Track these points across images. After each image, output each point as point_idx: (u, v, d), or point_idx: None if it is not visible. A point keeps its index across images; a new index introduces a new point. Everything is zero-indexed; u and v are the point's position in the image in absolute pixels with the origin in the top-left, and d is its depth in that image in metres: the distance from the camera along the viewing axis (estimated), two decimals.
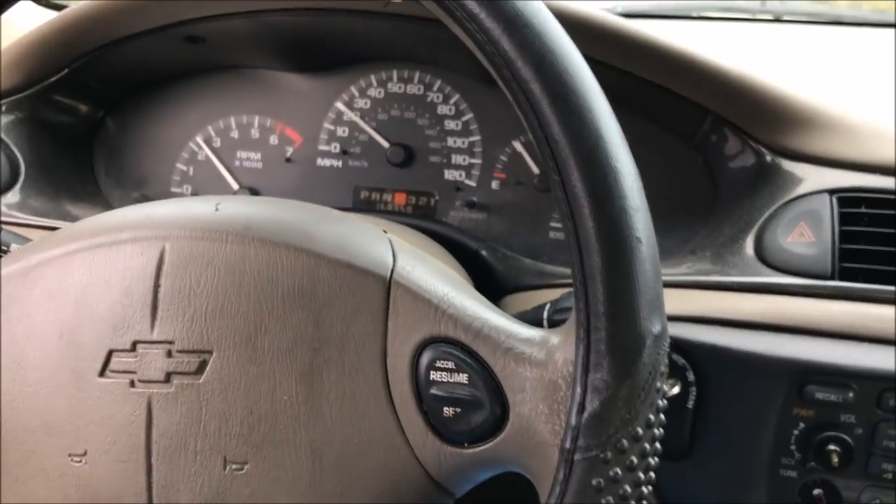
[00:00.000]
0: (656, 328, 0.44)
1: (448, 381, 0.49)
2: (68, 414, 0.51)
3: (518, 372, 0.47)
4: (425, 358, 0.49)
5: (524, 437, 0.47)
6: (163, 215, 0.53)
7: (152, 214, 0.54)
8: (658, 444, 0.46)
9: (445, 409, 0.49)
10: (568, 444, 0.44)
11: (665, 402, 0.46)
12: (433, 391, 0.49)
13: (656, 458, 0.46)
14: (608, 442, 0.43)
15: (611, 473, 0.44)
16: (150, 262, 0.51)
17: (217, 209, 0.53)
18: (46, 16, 0.99)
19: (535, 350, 0.48)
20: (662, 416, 0.46)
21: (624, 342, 0.43)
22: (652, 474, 0.46)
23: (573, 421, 0.44)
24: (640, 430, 0.44)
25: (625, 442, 0.44)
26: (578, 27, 0.82)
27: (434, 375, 0.49)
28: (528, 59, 0.43)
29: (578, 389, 0.44)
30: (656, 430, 0.45)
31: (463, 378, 0.48)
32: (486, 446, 0.49)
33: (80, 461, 0.51)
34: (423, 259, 0.54)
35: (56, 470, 0.51)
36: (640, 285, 0.43)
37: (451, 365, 0.49)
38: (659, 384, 0.45)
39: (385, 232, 0.56)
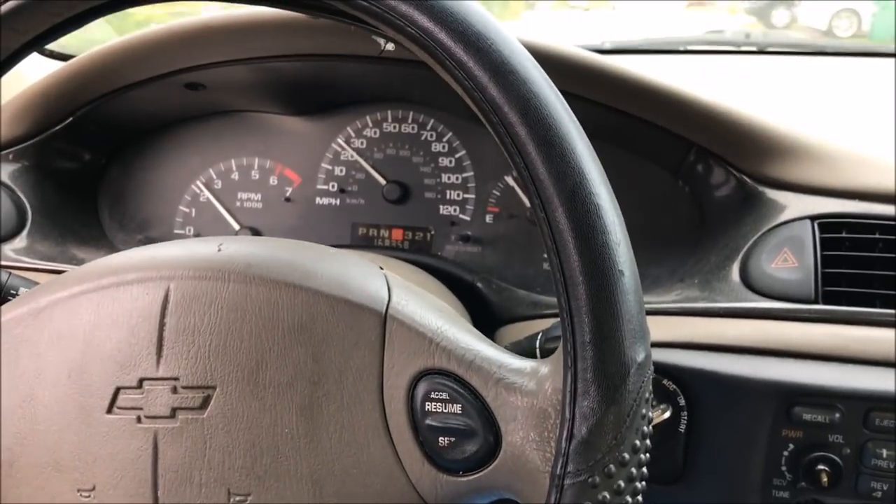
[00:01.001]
0: (640, 356, 0.45)
1: (443, 412, 0.50)
2: (77, 450, 0.52)
3: (509, 401, 0.49)
4: (420, 389, 0.51)
5: (516, 465, 0.49)
6: (167, 256, 0.55)
7: (157, 256, 0.55)
8: (644, 469, 0.47)
9: (441, 438, 0.50)
10: (558, 470, 0.45)
11: (651, 428, 0.47)
12: (428, 421, 0.50)
13: (643, 483, 0.47)
14: (596, 467, 0.45)
15: (599, 497, 0.45)
16: (156, 301, 0.52)
17: (219, 249, 0.55)
18: (52, 66, 1.01)
19: (525, 380, 0.49)
20: (648, 442, 0.47)
21: (609, 370, 0.44)
22: (639, 498, 0.47)
23: (562, 447, 0.45)
24: (626, 455, 0.45)
25: (612, 467, 0.45)
26: (565, 67, 0.85)
27: (429, 406, 0.50)
28: (513, 104, 0.45)
29: (567, 416, 0.45)
30: (642, 456, 0.47)
31: (457, 408, 0.50)
32: (480, 474, 0.50)
33: (89, 496, 0.52)
34: (416, 293, 0.56)
35: None
36: (623, 316, 0.44)
37: (445, 396, 0.50)
38: (644, 410, 0.46)
39: (381, 268, 0.58)
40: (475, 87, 0.45)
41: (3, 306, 0.57)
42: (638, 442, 0.46)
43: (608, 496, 0.45)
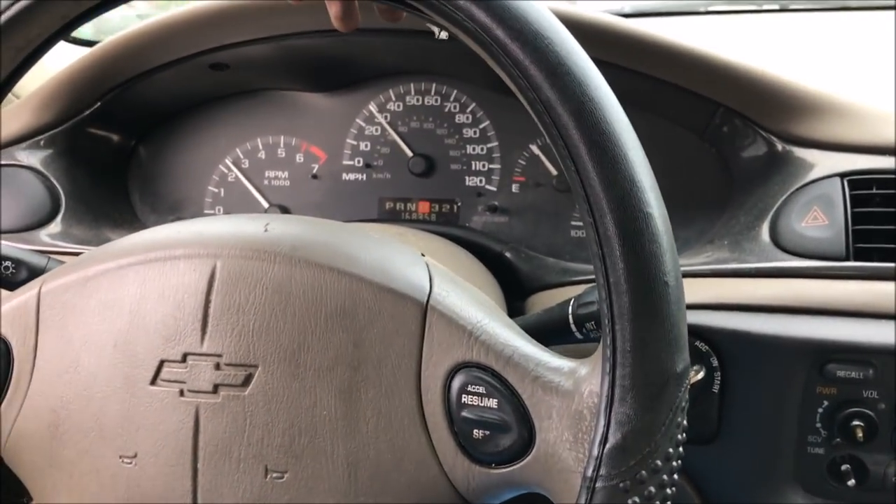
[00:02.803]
0: (679, 367, 0.45)
1: (478, 405, 0.51)
2: (120, 418, 0.54)
3: (545, 400, 0.49)
4: (457, 381, 0.51)
5: (549, 462, 0.49)
6: (214, 233, 0.56)
7: (204, 232, 0.56)
8: (676, 476, 0.47)
9: (475, 431, 0.51)
10: (590, 473, 0.46)
11: (685, 435, 0.47)
12: (464, 413, 0.51)
13: (673, 489, 0.47)
14: (628, 472, 0.45)
15: (629, 502, 0.45)
16: (202, 278, 0.53)
17: (266, 230, 0.56)
18: (77, 52, 1.02)
19: (562, 380, 0.49)
20: (681, 450, 0.47)
21: (647, 379, 0.45)
22: None
23: (595, 451, 0.46)
24: (659, 463, 0.46)
25: (644, 473, 0.45)
26: (589, 32, 0.84)
27: (465, 399, 0.51)
28: (567, 106, 0.44)
29: (602, 421, 0.46)
30: (675, 463, 0.47)
31: (493, 403, 0.50)
32: (513, 468, 0.51)
33: (131, 463, 0.54)
34: (458, 284, 0.56)
35: (108, 469, 0.54)
36: (665, 326, 0.45)
37: (481, 390, 0.51)
38: (679, 419, 0.46)
39: (423, 255, 0.58)
40: (530, 86, 0.45)
41: (52, 272, 0.58)
42: (671, 450, 0.46)
43: (638, 501, 0.45)
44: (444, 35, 0.52)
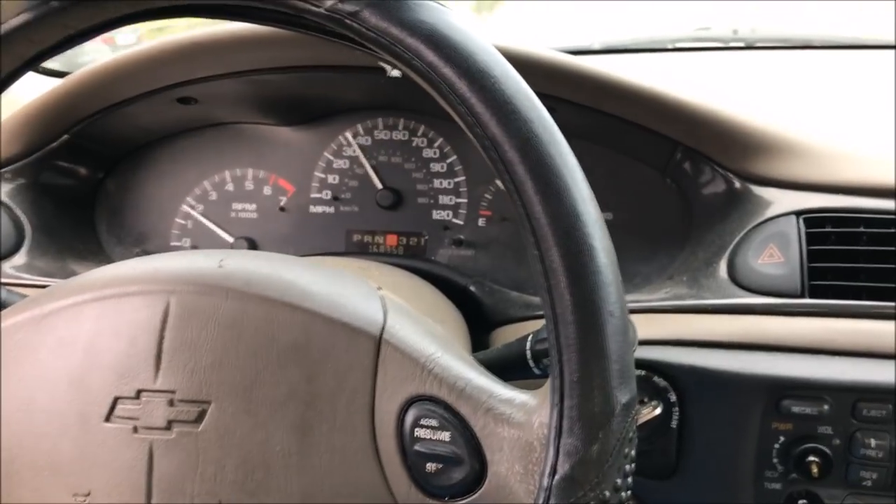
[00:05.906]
0: (625, 397, 0.46)
1: (431, 439, 0.51)
2: (74, 456, 0.53)
3: (497, 432, 0.50)
4: (411, 415, 0.51)
5: (500, 495, 0.50)
6: (169, 270, 0.56)
7: (159, 268, 0.56)
8: None
9: (428, 464, 0.51)
10: None
11: (633, 466, 0.48)
12: (417, 447, 0.51)
13: None
14: (577, 503, 0.46)
15: None
16: (156, 314, 0.53)
17: (220, 265, 0.56)
18: (47, 84, 1.03)
19: (514, 411, 0.50)
20: (630, 480, 0.48)
21: (595, 410, 0.45)
22: None
23: (545, 482, 0.46)
24: (607, 493, 0.46)
25: None
26: (553, 73, 0.85)
27: (418, 432, 0.51)
28: (513, 142, 0.45)
29: (551, 452, 0.46)
30: (623, 494, 0.47)
31: (445, 436, 0.51)
32: (465, 501, 0.51)
33: (84, 501, 0.53)
34: (412, 317, 0.56)
35: None
36: (611, 357, 0.45)
37: (434, 423, 0.51)
38: (627, 450, 0.47)
39: (379, 289, 0.59)
40: (477, 122, 0.46)
41: (6, 310, 0.58)
42: (619, 481, 0.47)
43: None
44: (395, 73, 0.53)
